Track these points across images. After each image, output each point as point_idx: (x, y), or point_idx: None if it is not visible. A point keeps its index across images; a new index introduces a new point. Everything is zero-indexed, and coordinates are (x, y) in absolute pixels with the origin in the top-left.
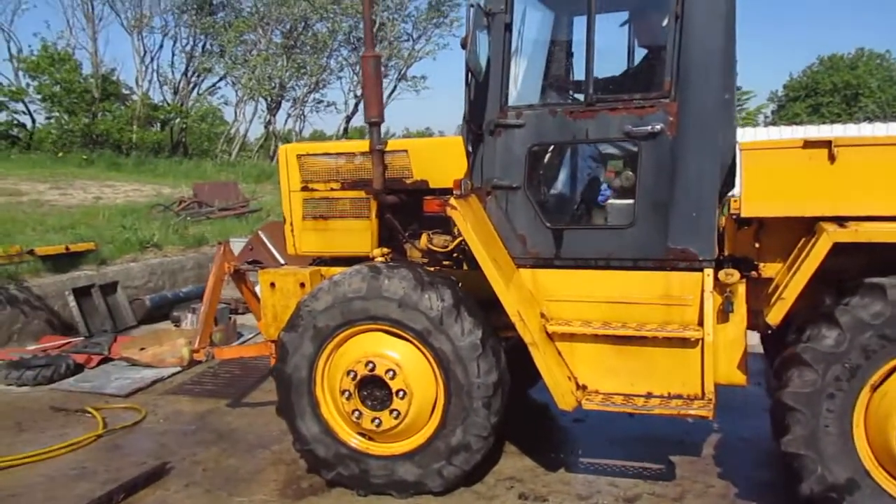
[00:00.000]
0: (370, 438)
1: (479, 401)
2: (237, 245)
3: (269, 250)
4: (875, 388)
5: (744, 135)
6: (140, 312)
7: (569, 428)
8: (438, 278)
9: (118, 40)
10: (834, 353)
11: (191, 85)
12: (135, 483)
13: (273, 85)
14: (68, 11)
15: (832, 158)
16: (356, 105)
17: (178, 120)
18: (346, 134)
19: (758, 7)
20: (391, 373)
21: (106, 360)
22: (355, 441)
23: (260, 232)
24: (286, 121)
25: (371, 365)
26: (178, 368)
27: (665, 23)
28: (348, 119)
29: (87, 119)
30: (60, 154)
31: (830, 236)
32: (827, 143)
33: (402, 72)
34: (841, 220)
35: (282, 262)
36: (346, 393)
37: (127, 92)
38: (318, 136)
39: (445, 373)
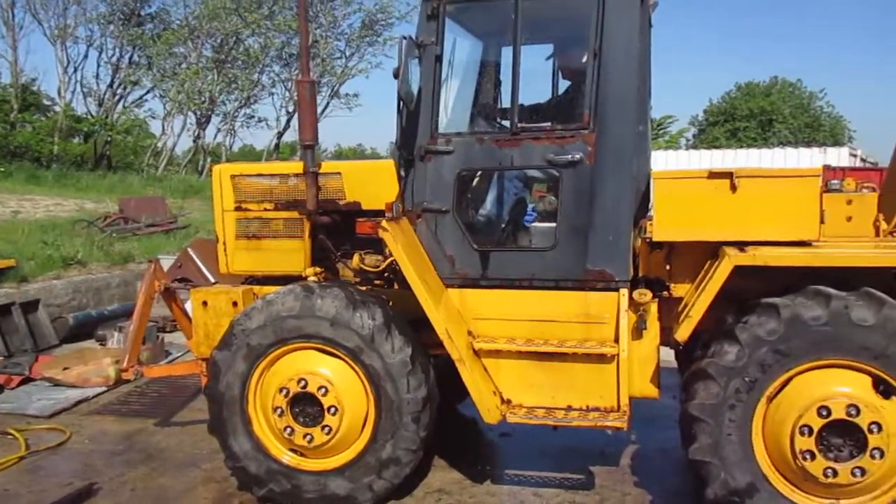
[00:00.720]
0: (302, 454)
1: (409, 416)
2: (166, 262)
3: (199, 267)
4: (771, 400)
5: (667, 157)
6: (63, 331)
7: (496, 442)
8: (369, 297)
9: (40, 49)
10: (734, 367)
11: (116, 97)
12: None
13: (203, 99)
14: None
15: (734, 188)
16: (288, 121)
17: (102, 132)
18: (277, 150)
19: (681, 34)
20: (323, 389)
21: (27, 380)
22: (287, 457)
23: (189, 249)
24: (216, 135)
25: (303, 382)
26: (104, 388)
27: (584, 59)
28: (280, 135)
29: (4, 130)
30: None
31: (731, 260)
32: (729, 174)
33: (335, 89)
34: (742, 245)
35: (211, 279)
36: (279, 410)
37: (48, 103)
38: (248, 152)
39: (376, 389)
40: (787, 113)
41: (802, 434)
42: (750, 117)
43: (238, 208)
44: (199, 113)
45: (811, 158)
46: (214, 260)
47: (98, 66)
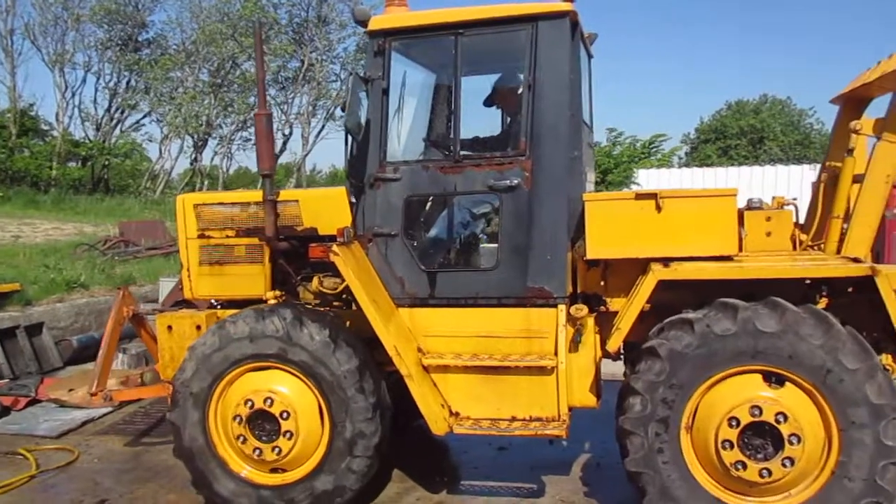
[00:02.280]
0: (283, 470)
1: (352, 388)
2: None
3: None
4: (690, 430)
5: (660, 176)
6: (66, 353)
7: (493, 456)
8: (277, 306)
9: (39, 75)
10: (643, 416)
11: (114, 121)
12: None
13: (200, 122)
14: None
15: (659, 208)
16: (284, 143)
17: (100, 156)
18: None
19: (672, 52)
20: (269, 401)
21: (33, 401)
22: (270, 478)
23: None
24: (212, 158)
25: (250, 402)
26: (109, 409)
27: (520, 91)
28: (276, 158)
29: (2, 155)
30: None
31: (655, 275)
32: (654, 196)
33: (331, 112)
34: (666, 261)
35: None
36: (241, 438)
37: (46, 128)
38: (244, 174)
39: (314, 378)
40: (778, 130)
41: (726, 448)
42: (741, 135)
43: (201, 236)
44: (196, 136)
45: (802, 175)
46: None
47: (96, 90)
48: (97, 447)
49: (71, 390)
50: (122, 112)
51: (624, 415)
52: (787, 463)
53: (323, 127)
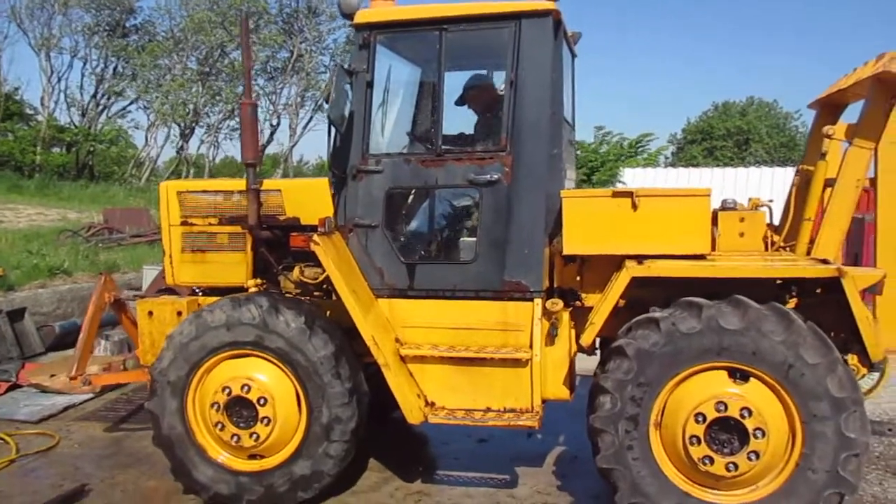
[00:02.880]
0: (261, 456)
1: (329, 374)
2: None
3: None
4: (659, 426)
5: (645, 175)
6: (49, 339)
7: (473, 448)
8: (252, 295)
9: (24, 59)
10: (613, 413)
11: (100, 107)
12: None
13: (187, 111)
14: None
15: (635, 206)
16: (271, 134)
17: (84, 142)
18: (259, 162)
19: (663, 51)
20: (246, 388)
21: (14, 386)
22: (248, 465)
23: None
24: (199, 147)
25: (228, 389)
26: (91, 395)
27: (494, 89)
28: (263, 148)
29: None
30: None
31: (629, 271)
32: (630, 194)
33: (319, 103)
34: (641, 258)
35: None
36: (220, 425)
37: (31, 112)
38: (229, 163)
39: (290, 364)
40: (764, 132)
41: (693, 444)
42: (727, 136)
43: (184, 223)
44: (183, 124)
45: (785, 177)
46: None
47: (82, 76)
48: (78, 433)
49: (52, 376)
50: (109, 98)
51: (594, 413)
52: (753, 456)
53: (311, 118)
